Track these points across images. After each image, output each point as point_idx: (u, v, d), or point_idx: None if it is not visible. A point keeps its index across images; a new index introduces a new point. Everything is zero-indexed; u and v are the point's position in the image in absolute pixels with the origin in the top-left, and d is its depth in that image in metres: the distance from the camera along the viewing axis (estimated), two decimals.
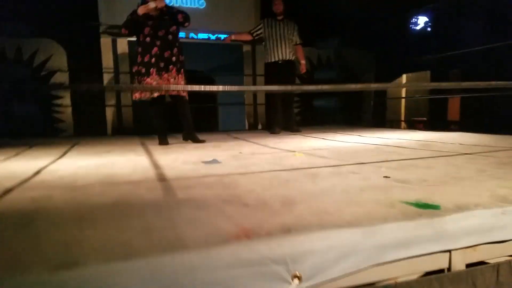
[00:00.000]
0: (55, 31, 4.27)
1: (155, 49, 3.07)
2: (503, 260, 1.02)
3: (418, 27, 6.16)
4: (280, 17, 4.06)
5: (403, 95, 6.27)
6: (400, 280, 0.91)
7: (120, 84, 4.56)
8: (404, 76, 6.33)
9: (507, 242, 1.02)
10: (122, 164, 2.11)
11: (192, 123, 3.40)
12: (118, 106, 4.66)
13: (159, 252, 0.75)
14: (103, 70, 4.50)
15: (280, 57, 4.05)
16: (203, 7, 4.90)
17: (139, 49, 3.13)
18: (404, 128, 6.10)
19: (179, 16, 3.15)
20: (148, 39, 3.08)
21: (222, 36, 4.79)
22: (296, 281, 0.80)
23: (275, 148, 2.87)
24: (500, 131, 3.22)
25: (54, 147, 3.09)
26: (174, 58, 3.14)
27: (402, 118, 6.24)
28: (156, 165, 2.04)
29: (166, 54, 3.11)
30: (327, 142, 3.26)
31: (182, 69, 3.21)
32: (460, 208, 1.01)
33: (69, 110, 4.46)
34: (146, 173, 1.81)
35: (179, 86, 3.13)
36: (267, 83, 4.26)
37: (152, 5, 2.98)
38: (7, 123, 4.13)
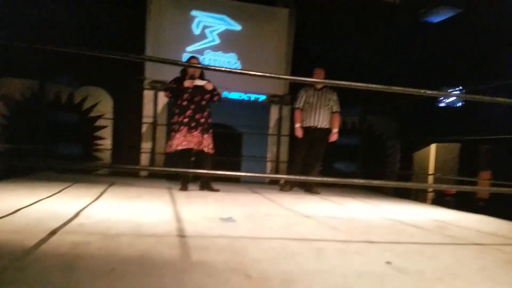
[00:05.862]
0: (104, 82, 4.87)
1: (189, 112, 3.68)
2: None
3: (448, 100, 6.31)
4: (319, 87, 4.33)
5: (431, 168, 6.21)
6: None
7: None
8: (433, 146, 6.33)
9: None
10: (149, 213, 2.35)
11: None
12: (152, 152, 5.07)
13: None
14: (143, 120, 5.07)
15: (315, 124, 4.29)
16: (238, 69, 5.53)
17: (177, 111, 3.74)
18: (430, 199, 5.98)
19: (215, 98, 3.84)
20: (185, 103, 3.69)
21: (252, 97, 5.54)
22: None
23: (289, 210, 3.01)
24: None
25: (93, 186, 3.44)
26: (202, 120, 3.73)
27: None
28: (178, 218, 2.25)
29: (197, 116, 3.70)
30: (343, 209, 3.35)
31: (210, 130, 3.79)
32: None
33: (109, 152, 4.92)
34: (170, 225, 2.03)
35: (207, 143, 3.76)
36: (296, 144, 4.46)
37: (198, 82, 3.71)
38: (54, 159, 4.59)
